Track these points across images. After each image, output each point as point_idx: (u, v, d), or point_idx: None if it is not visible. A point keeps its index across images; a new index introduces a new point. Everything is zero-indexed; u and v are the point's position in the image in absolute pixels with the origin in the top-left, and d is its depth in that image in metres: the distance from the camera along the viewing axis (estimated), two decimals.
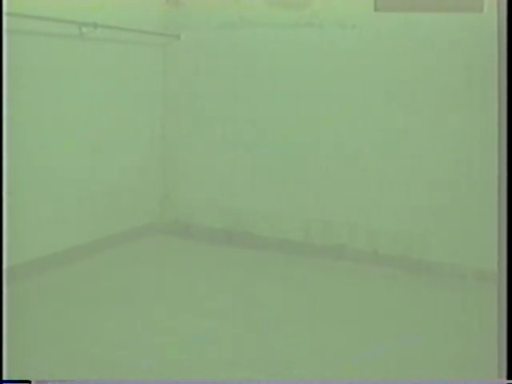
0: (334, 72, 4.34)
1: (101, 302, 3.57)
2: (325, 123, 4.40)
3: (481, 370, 2.55)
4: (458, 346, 3.07)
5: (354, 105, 4.31)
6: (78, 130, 4.17)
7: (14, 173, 3.74)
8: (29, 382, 2.02)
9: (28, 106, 3.81)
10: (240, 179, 4.71)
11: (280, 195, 4.59)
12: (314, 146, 4.44)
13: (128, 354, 2.92)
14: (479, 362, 2.71)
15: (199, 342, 3.09)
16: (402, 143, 4.18)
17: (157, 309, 3.50)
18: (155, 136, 4.89)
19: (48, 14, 3.75)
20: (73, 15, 3.93)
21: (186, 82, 4.83)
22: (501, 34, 1.71)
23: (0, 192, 2.18)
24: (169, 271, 4.18)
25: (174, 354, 2.94)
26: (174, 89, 4.87)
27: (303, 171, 4.50)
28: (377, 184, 4.27)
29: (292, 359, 2.91)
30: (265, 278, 4.09)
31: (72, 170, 4.15)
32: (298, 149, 4.50)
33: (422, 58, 4.08)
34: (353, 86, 4.30)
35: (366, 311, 3.54)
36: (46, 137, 3.95)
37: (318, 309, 3.56)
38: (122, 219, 4.64)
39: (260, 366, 2.81)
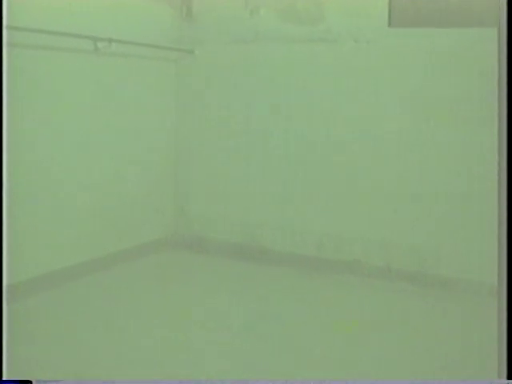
0: (347, 87, 4.34)
1: (113, 316, 3.56)
2: (338, 138, 4.39)
3: None
4: (473, 364, 3.03)
5: (368, 120, 4.30)
6: (92, 144, 4.19)
7: (26, 187, 3.76)
8: (29, 381, 2.01)
9: (42, 119, 3.83)
10: (254, 193, 4.71)
11: (293, 209, 4.58)
12: (327, 160, 4.44)
13: (139, 369, 2.91)
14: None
15: (212, 356, 3.08)
16: (417, 157, 4.17)
17: (170, 323, 3.49)
18: (169, 150, 4.90)
19: (64, 29, 3.77)
20: (88, 30, 3.96)
21: (199, 96, 4.84)
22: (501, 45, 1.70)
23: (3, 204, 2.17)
24: (182, 285, 4.16)
25: (188, 369, 2.92)
26: (188, 103, 4.88)
27: (317, 185, 4.49)
28: (390, 198, 4.26)
29: (305, 374, 2.89)
30: (278, 292, 4.07)
31: (85, 183, 4.16)
32: (312, 163, 4.50)
33: (436, 73, 4.07)
34: (367, 101, 4.29)
35: (380, 327, 3.51)
36: (59, 150, 3.96)
37: (330, 324, 3.54)
38: (136, 233, 4.64)
39: (273, 381, 2.80)
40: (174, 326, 3.45)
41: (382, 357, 3.11)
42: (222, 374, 2.88)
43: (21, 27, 3.49)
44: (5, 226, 2.07)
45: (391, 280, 4.26)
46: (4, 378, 1.94)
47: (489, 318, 3.49)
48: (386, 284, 4.23)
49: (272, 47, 4.55)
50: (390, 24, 4.20)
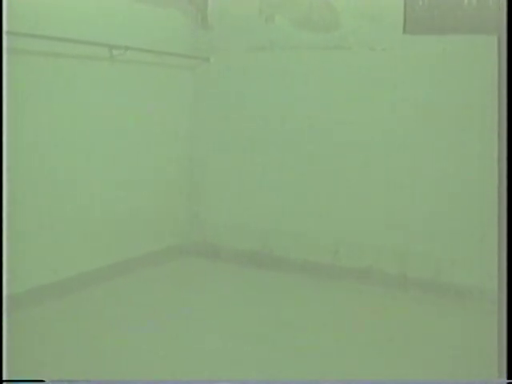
0: (362, 94, 4.33)
1: (127, 322, 3.57)
2: (353, 145, 4.38)
3: None
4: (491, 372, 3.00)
5: (383, 127, 4.29)
6: (107, 151, 4.21)
7: (41, 196, 3.79)
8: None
9: (57, 126, 3.85)
10: (268, 200, 4.71)
11: (307, 216, 4.57)
12: (342, 167, 4.43)
13: (154, 375, 2.92)
14: None
15: (226, 363, 3.07)
16: (433, 165, 4.15)
17: (184, 330, 3.49)
18: (184, 157, 4.91)
19: (80, 37, 3.81)
20: (104, 38, 3.99)
21: (215, 104, 4.85)
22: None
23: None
24: (196, 293, 4.16)
25: (201, 376, 2.92)
26: (203, 111, 4.89)
27: (332, 193, 4.48)
28: (406, 206, 4.24)
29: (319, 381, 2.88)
30: (291, 300, 4.07)
31: (99, 190, 4.17)
32: (327, 170, 4.49)
33: (451, 79, 4.05)
34: (382, 108, 4.28)
35: (395, 335, 3.49)
36: (74, 158, 3.98)
37: (345, 332, 3.53)
38: (150, 240, 4.65)
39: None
40: (188, 333, 3.45)
41: (395, 365, 3.09)
42: (235, 379, 2.88)
43: (39, 35, 3.53)
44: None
45: (406, 288, 4.23)
46: (4, 378, 1.95)
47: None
48: (402, 292, 4.20)
49: (287, 55, 4.56)
50: (404, 31, 4.19)
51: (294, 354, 3.20)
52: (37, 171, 3.74)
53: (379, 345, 3.35)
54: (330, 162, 4.47)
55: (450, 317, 3.80)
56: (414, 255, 4.24)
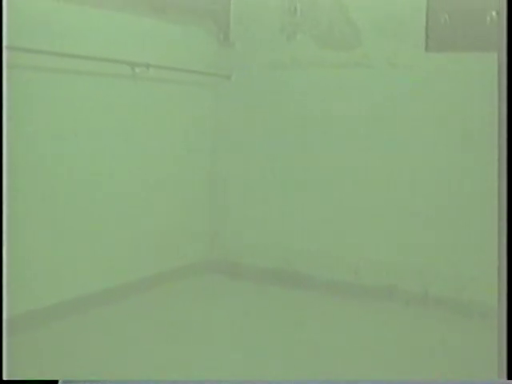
0: (384, 112, 4.32)
1: (147, 339, 3.57)
2: (375, 164, 4.36)
3: None
4: None
5: (405, 145, 4.26)
6: (129, 168, 4.22)
7: (63, 213, 3.81)
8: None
9: (80, 143, 3.87)
10: (290, 218, 4.69)
11: (330, 234, 4.54)
12: (363, 185, 4.40)
13: None
14: None
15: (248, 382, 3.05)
16: (454, 184, 4.11)
17: (204, 348, 3.47)
18: (204, 174, 4.91)
19: (102, 55, 3.83)
20: (126, 55, 4.01)
21: (236, 121, 4.86)
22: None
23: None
24: (216, 310, 4.15)
25: None
26: (224, 128, 4.90)
27: (353, 210, 4.45)
28: (428, 224, 4.20)
29: None
30: (313, 318, 4.04)
31: (119, 207, 4.18)
32: (348, 188, 4.47)
33: (474, 97, 4.02)
34: (404, 127, 4.26)
35: (416, 355, 3.45)
36: (96, 175, 4.00)
37: (367, 351, 3.49)
38: (170, 257, 4.64)
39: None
40: (208, 350, 3.43)
41: None
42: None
43: (62, 53, 3.57)
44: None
45: (428, 306, 4.18)
46: (4, 378, 1.94)
47: None
48: (424, 311, 4.15)
49: (309, 72, 4.55)
50: (427, 48, 4.17)
51: (317, 372, 3.16)
52: (60, 186, 3.76)
53: (402, 363, 3.30)
54: (352, 181, 4.45)
55: (474, 336, 3.74)
56: (436, 273, 4.19)
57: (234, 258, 4.92)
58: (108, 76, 3.98)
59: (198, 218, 4.90)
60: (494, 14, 3.91)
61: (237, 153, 4.87)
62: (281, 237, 4.73)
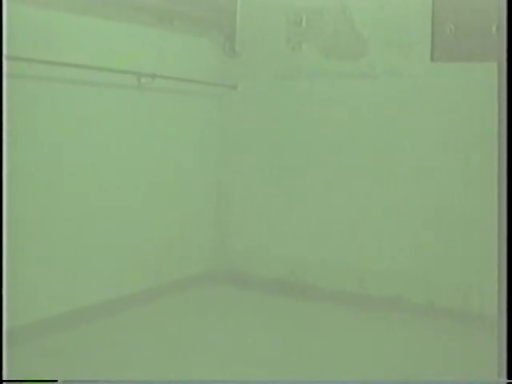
0: (390, 122, 4.32)
1: (152, 349, 3.56)
2: (381, 174, 4.36)
3: None
4: None
5: (411, 155, 4.26)
6: (135, 178, 4.23)
7: (69, 226, 3.82)
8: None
9: (84, 153, 3.89)
10: (295, 228, 4.68)
11: (335, 245, 4.54)
12: (368, 196, 4.40)
13: None
14: None
15: None
16: (461, 195, 4.10)
17: (209, 358, 3.46)
18: (210, 184, 4.92)
19: (109, 65, 3.86)
20: (132, 66, 4.03)
21: (242, 131, 4.86)
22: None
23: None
24: (222, 321, 4.14)
25: None
26: (231, 138, 4.91)
27: (359, 221, 4.44)
28: (433, 235, 4.19)
29: None
30: (319, 329, 4.02)
31: (125, 218, 4.19)
32: (353, 198, 4.46)
33: (479, 108, 4.01)
34: (410, 137, 4.26)
35: (422, 365, 3.43)
36: (102, 185, 4.01)
37: (373, 361, 3.47)
38: (177, 268, 4.64)
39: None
40: (214, 361, 3.42)
41: None
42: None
43: (68, 63, 3.59)
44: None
45: (434, 317, 4.16)
46: (4, 378, 1.94)
47: None
48: (430, 321, 4.13)
49: (314, 83, 4.56)
50: (432, 59, 4.18)
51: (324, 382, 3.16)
52: (64, 195, 3.78)
53: (408, 373, 3.28)
54: (358, 191, 4.44)
55: (480, 347, 3.71)
56: (441, 284, 4.18)
57: (240, 268, 4.91)
58: (114, 86, 4.00)
59: (203, 228, 4.90)
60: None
61: (243, 163, 4.87)
62: (286, 247, 4.72)
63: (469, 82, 4.03)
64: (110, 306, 4.08)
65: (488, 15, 3.95)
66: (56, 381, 2.01)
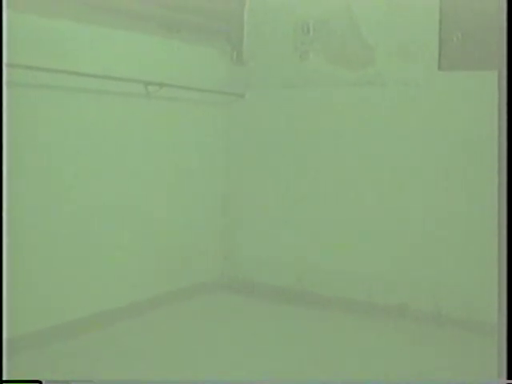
0: (397, 131, 4.31)
1: (158, 357, 3.56)
2: (387, 183, 4.35)
3: None
4: None
5: (419, 164, 4.25)
6: (141, 187, 4.24)
7: (72, 233, 3.83)
8: (39, 381, 2.01)
9: (93, 161, 3.91)
10: (302, 237, 4.68)
11: (342, 253, 4.53)
12: (376, 204, 4.39)
13: None
14: None
15: None
16: (467, 204, 4.08)
17: (216, 366, 3.46)
18: (217, 193, 4.92)
19: (116, 74, 3.87)
20: (139, 74, 4.05)
21: (249, 140, 4.87)
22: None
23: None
24: (229, 329, 4.14)
25: None
26: (238, 146, 4.91)
27: (366, 229, 4.44)
28: (440, 243, 4.18)
29: None
30: (326, 337, 4.01)
31: (132, 225, 4.20)
32: (361, 207, 4.45)
33: (487, 116, 3.99)
34: (417, 145, 4.25)
35: (430, 375, 3.40)
36: (109, 192, 4.03)
37: (380, 371, 3.45)
38: (183, 275, 4.64)
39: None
40: (221, 369, 3.42)
41: None
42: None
43: (75, 72, 3.61)
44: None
45: (441, 325, 4.14)
46: (4, 378, 1.94)
47: None
48: (437, 330, 4.11)
49: (321, 91, 4.56)
50: (439, 67, 4.17)
51: None
52: (75, 204, 3.79)
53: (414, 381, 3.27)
54: (365, 200, 4.44)
55: (487, 355, 3.69)
56: (449, 292, 4.16)
57: (247, 276, 4.91)
58: (121, 95, 4.02)
59: (210, 236, 4.91)
60: None
61: (250, 171, 4.87)
62: (293, 255, 4.72)
63: (476, 90, 4.02)
64: (116, 313, 4.09)
65: (495, 23, 3.93)
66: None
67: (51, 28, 3.56)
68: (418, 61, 4.22)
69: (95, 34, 3.83)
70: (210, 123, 4.80)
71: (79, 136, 3.80)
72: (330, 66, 4.53)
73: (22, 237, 3.45)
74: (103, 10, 3.85)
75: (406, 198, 4.29)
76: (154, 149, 4.31)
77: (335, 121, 4.53)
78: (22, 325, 3.37)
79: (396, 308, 4.32)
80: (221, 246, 4.97)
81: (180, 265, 4.60)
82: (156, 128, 4.31)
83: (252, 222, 4.89)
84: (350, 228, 4.49)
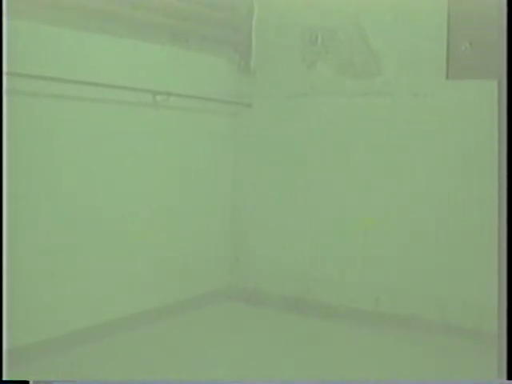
0: (405, 141, 4.30)
1: (167, 366, 3.55)
2: (395, 193, 4.34)
3: None
4: None
5: (427, 174, 4.24)
6: (150, 195, 4.25)
7: (86, 238, 3.84)
8: (27, 382, 2.02)
9: (101, 171, 3.91)
10: (310, 246, 4.67)
11: (350, 263, 4.52)
12: (383, 215, 4.38)
13: None
14: None
15: None
16: (474, 214, 4.07)
17: (223, 375, 3.44)
18: (225, 202, 4.92)
19: (124, 83, 3.88)
20: (147, 84, 4.06)
21: (257, 149, 4.87)
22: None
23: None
24: (237, 338, 4.13)
25: None
26: (245, 156, 4.91)
27: (373, 239, 4.42)
28: (448, 253, 4.16)
29: None
30: (334, 347, 4.00)
31: (141, 235, 4.20)
32: (370, 217, 4.44)
33: (495, 126, 3.98)
34: (426, 155, 4.24)
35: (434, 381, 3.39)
36: (116, 204, 4.03)
37: (387, 380, 3.43)
38: (191, 285, 4.64)
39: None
40: (228, 378, 3.40)
41: None
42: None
43: (83, 81, 3.62)
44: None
45: (449, 336, 4.12)
46: (4, 378, 1.94)
47: None
48: (445, 340, 4.09)
49: (329, 101, 4.56)
50: (447, 76, 4.16)
51: None
52: (81, 212, 3.79)
53: None
54: (372, 210, 4.43)
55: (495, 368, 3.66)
56: (457, 303, 4.14)
57: (255, 285, 4.90)
58: (129, 104, 4.03)
59: (218, 245, 4.90)
60: None
61: (257, 180, 4.87)
62: (301, 265, 4.70)
63: (484, 99, 4.00)
64: (126, 322, 4.09)
65: (503, 33, 3.93)
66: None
67: (59, 37, 3.58)
68: (425, 70, 4.22)
69: (104, 44, 3.85)
70: (218, 132, 4.80)
71: (87, 145, 3.80)
72: (337, 76, 4.53)
73: (23, 247, 3.45)
74: (112, 20, 3.87)
75: (415, 208, 4.28)
76: (162, 157, 4.32)
77: (343, 130, 4.53)
78: (24, 334, 3.37)
79: (404, 318, 4.30)
80: (228, 255, 4.97)
81: (187, 274, 4.59)
82: (164, 137, 4.32)
83: (260, 232, 4.88)
84: (359, 238, 4.48)
